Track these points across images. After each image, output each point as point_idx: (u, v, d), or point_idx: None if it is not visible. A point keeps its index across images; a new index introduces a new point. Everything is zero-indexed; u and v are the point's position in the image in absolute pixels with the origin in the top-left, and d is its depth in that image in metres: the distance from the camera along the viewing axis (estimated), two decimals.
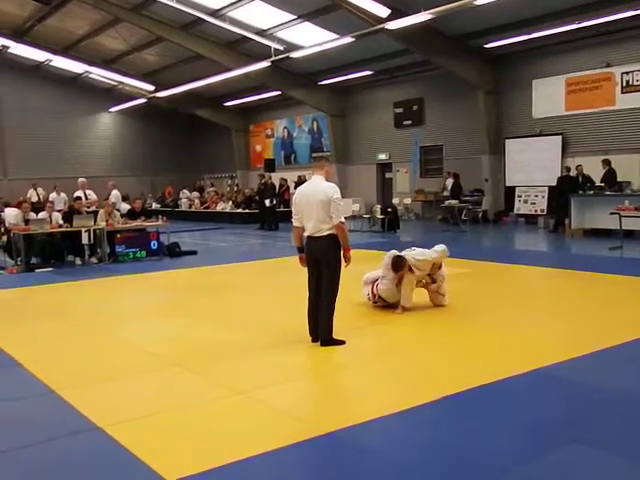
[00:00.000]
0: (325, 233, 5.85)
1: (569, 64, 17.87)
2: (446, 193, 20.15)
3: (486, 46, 18.63)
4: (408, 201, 22.56)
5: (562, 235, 15.56)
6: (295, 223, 6.13)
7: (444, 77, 20.31)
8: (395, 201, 22.35)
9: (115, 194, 16.96)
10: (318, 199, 5.85)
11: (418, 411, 4.31)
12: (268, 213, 20.78)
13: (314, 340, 6.07)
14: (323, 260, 5.91)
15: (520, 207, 19.19)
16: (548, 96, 18.39)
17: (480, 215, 19.75)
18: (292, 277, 8.71)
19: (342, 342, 6.00)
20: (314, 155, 5.88)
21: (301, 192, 6.09)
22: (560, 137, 18.15)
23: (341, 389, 4.86)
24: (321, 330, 6.01)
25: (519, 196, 19.19)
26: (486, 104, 19.62)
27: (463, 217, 19.04)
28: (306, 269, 6.11)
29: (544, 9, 16.05)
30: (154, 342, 6.42)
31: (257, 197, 22.12)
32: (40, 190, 21.41)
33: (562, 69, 18.03)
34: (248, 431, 4.10)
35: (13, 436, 4.14)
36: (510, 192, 19.50)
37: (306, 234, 6.00)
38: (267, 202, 20.75)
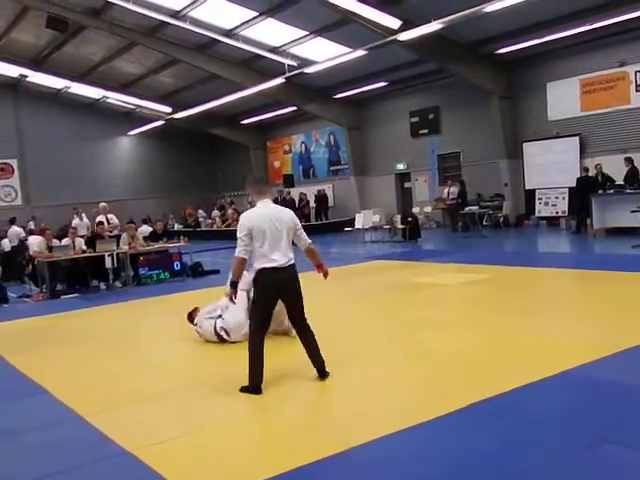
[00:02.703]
0: (292, 262, 5.37)
1: (583, 65, 17.79)
2: (449, 201, 19.97)
3: (498, 52, 18.62)
4: (428, 209, 22.51)
5: (584, 236, 15.43)
6: (243, 255, 5.26)
7: (459, 84, 20.31)
8: (415, 210, 22.29)
9: (78, 222, 16.21)
10: (286, 225, 5.36)
11: (447, 419, 4.30)
12: None
13: (259, 391, 5.24)
14: (294, 291, 5.41)
15: (541, 210, 19.06)
16: (563, 98, 18.30)
17: (501, 220, 19.64)
18: (318, 291, 8.74)
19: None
20: (259, 178, 5.54)
21: (258, 219, 5.30)
22: (577, 138, 18.04)
23: (367, 400, 4.86)
24: (320, 360, 5.50)
25: (539, 199, 19.06)
26: (502, 109, 19.57)
27: (484, 222, 18.96)
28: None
29: (554, 12, 16.02)
30: (180, 364, 6.47)
31: None
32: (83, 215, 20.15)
33: (576, 70, 17.95)
34: (276, 448, 4.13)
35: (43, 464, 4.19)
36: (530, 195, 19.38)
37: (270, 265, 5.24)
38: None
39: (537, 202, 19.12)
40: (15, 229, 17.17)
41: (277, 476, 3.64)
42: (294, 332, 6.21)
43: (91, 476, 3.98)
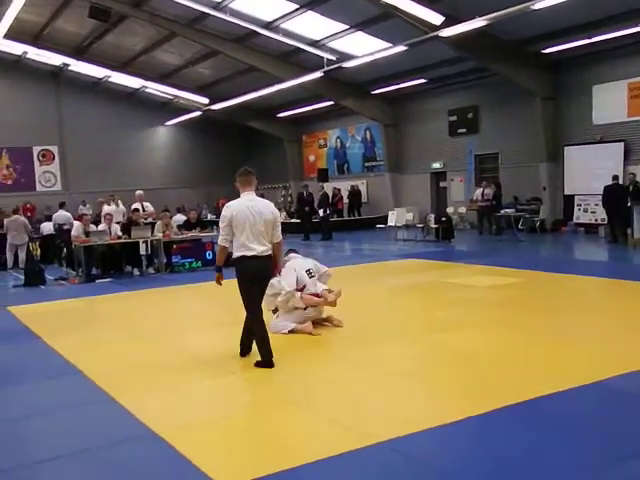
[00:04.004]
0: (269, 252, 5.79)
1: (631, 68, 17.38)
2: (481, 202, 19.72)
3: (544, 51, 18.32)
4: (463, 210, 22.34)
5: (622, 245, 15.12)
6: (224, 243, 5.81)
7: (500, 84, 20.06)
8: (450, 210, 22.13)
9: (114, 209, 16.15)
10: (266, 217, 5.74)
11: (471, 421, 4.29)
12: (323, 223, 20.97)
13: (245, 354, 6.11)
14: (265, 279, 5.93)
15: (579, 216, 18.75)
16: (609, 102, 17.95)
17: (537, 224, 19.39)
18: (348, 288, 8.81)
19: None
20: (246, 170, 5.79)
21: (239, 209, 5.73)
22: (622, 144, 17.67)
23: (392, 397, 4.88)
24: (251, 343, 6.05)
25: (578, 205, 18.76)
26: (544, 111, 19.30)
27: (520, 226, 18.74)
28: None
29: (604, 12, 15.72)
30: (210, 350, 6.56)
31: (306, 207, 22.18)
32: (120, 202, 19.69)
33: (624, 73, 17.55)
34: (300, 440, 4.18)
35: (75, 441, 4.33)
36: (569, 201, 19.07)
37: (248, 253, 5.67)
38: (321, 212, 20.99)
39: (576, 208, 18.80)
40: (63, 213, 17.47)
41: (279, 472, 3.68)
42: (335, 322, 7.14)
43: (119, 454, 4.09)
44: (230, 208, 5.78)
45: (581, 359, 5.69)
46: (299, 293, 7.04)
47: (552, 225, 19.57)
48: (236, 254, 5.76)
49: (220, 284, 5.96)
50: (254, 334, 5.94)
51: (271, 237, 5.83)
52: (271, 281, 6.40)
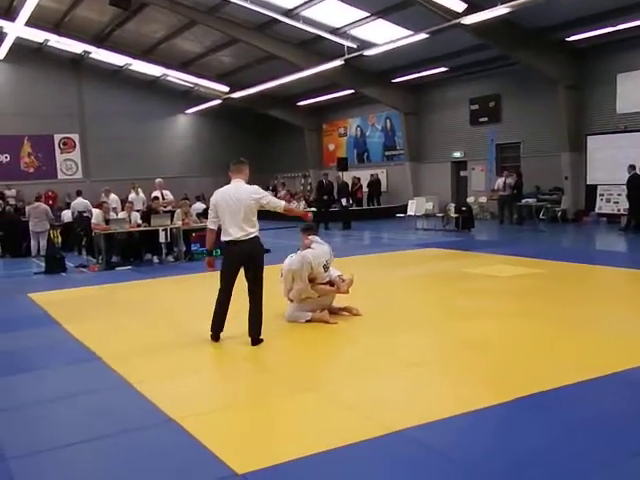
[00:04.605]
0: (252, 236, 6.05)
1: None
2: (501, 192, 19.52)
3: (568, 39, 18.05)
4: (484, 200, 22.18)
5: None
6: (211, 226, 6.30)
7: (522, 72, 19.83)
8: (470, 200, 22.01)
9: (114, 198, 16.62)
10: (244, 203, 6.01)
11: (491, 411, 4.28)
12: (342, 212, 20.92)
13: (217, 339, 6.33)
14: (251, 262, 6.10)
15: (602, 206, 18.51)
16: (634, 90, 17.66)
17: (559, 214, 19.20)
18: (366, 276, 8.83)
19: (262, 340, 6.21)
20: (239, 160, 5.99)
21: (221, 196, 6.16)
22: None
23: (411, 387, 4.86)
24: (256, 329, 6.17)
25: (601, 195, 18.52)
26: (567, 99, 19.04)
27: (541, 216, 18.57)
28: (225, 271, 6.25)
29: (628, 0, 15.43)
30: (227, 337, 6.55)
31: (325, 196, 22.14)
32: (140, 191, 19.39)
33: None
34: (318, 427, 4.17)
35: (93, 427, 4.37)
36: (591, 191, 18.83)
37: (227, 238, 6.06)
38: (344, 201, 20.94)
39: (598, 198, 18.56)
40: (81, 201, 17.61)
41: (294, 460, 3.68)
42: (354, 311, 7.26)
43: (137, 440, 4.14)
44: (215, 195, 6.27)
45: (603, 350, 5.62)
46: (310, 284, 7.00)
47: (574, 215, 19.38)
48: (221, 239, 6.21)
49: (211, 268, 6.37)
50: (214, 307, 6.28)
51: (277, 210, 6.25)
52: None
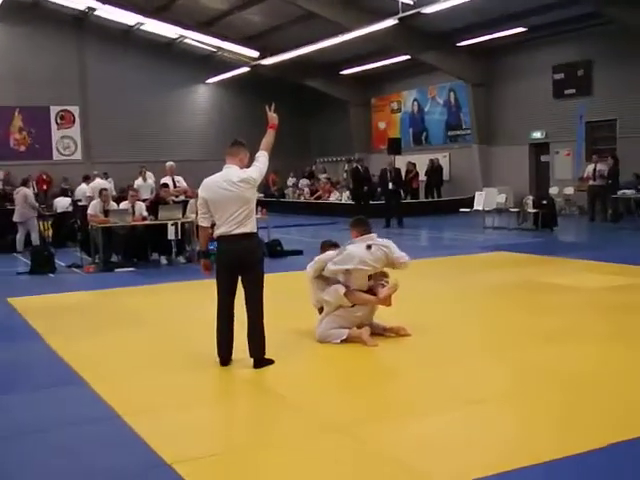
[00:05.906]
0: (248, 230, 6.04)
1: None
2: (593, 182, 19.12)
3: None
4: (570, 191, 21.80)
5: None
6: (202, 223, 6.30)
7: (619, 33, 19.55)
8: (553, 191, 21.81)
9: (102, 182, 16.53)
10: (236, 192, 6.01)
11: (576, 460, 4.11)
12: (392, 205, 20.64)
13: (225, 363, 6.18)
14: (248, 263, 6.10)
15: None
16: None
17: None
18: (423, 285, 8.61)
19: (271, 361, 6.12)
20: (235, 140, 6.04)
21: (210, 185, 6.18)
22: None
23: (468, 430, 4.69)
24: (257, 347, 6.11)
25: None
26: None
27: None
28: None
29: None
30: (239, 362, 6.41)
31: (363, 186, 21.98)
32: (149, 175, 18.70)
33: None
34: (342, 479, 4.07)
35: (66, 469, 4.27)
36: None
37: (220, 233, 6.06)
38: (391, 185, 20.53)
39: None
40: (84, 187, 17.67)
41: None
42: (402, 332, 7.04)
43: None
44: (203, 184, 6.28)
45: None
46: (343, 288, 6.82)
47: None
48: (213, 235, 6.27)
49: (207, 272, 6.38)
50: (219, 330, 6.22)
51: (250, 215, 6.09)
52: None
